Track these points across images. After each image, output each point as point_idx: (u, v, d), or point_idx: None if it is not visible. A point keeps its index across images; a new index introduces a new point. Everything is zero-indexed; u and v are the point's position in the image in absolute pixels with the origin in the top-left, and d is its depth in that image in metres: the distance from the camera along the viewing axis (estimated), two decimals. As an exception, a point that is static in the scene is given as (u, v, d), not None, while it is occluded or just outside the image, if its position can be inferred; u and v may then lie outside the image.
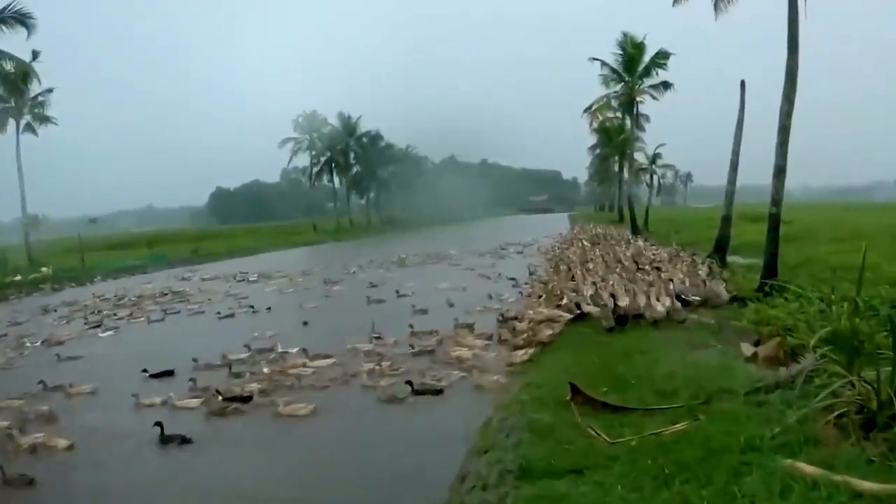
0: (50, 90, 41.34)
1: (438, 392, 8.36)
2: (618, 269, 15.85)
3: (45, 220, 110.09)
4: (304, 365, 9.93)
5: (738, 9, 17.16)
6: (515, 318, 11.98)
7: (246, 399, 8.40)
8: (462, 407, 7.89)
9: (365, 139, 76.53)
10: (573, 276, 15.47)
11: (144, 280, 27.34)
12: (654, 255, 19.73)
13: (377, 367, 9.40)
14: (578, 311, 11.36)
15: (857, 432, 5.26)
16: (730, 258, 18.57)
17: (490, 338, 11.15)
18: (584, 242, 26.65)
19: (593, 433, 5.50)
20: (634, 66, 34.99)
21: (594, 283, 13.48)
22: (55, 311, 18.82)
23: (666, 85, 35.42)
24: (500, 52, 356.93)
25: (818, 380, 6.14)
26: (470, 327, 11.94)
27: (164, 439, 7.19)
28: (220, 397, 8.45)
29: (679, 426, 5.50)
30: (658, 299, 11.17)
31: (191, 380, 9.30)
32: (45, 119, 41.83)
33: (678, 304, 11.19)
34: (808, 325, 8.73)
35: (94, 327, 15.17)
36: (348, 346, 10.82)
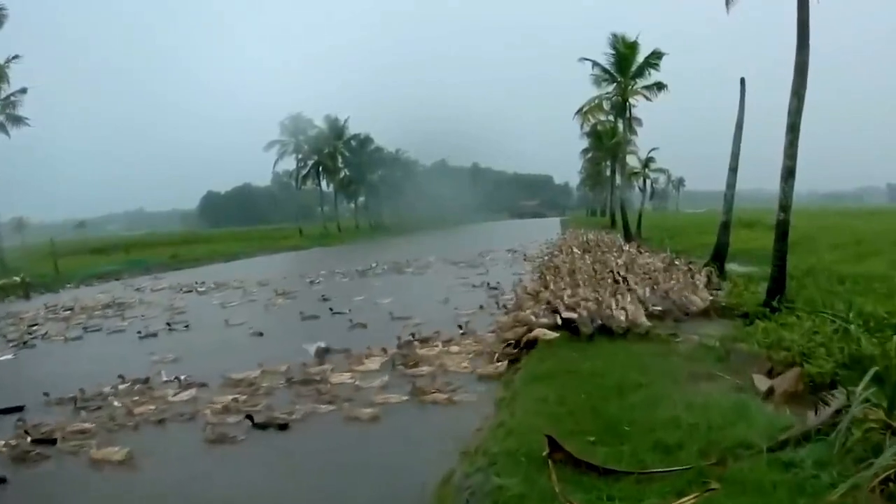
0: (23, 90, 40.19)
1: (283, 427, 7.49)
2: (610, 280, 14.68)
3: (29, 223, 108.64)
4: (166, 398, 9.05)
5: (734, 10, 15.91)
6: (427, 340, 11.40)
7: (51, 442, 7.46)
8: (304, 448, 6.98)
9: (353, 142, 75.22)
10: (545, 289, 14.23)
11: (107, 288, 26.27)
12: (647, 263, 18.49)
13: (233, 401, 8.56)
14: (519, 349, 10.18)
15: (910, 506, 4.07)
16: (727, 266, 17.43)
17: (392, 361, 10.29)
18: (575, 250, 25.42)
19: (574, 511, 4.22)
20: (627, 66, 33.83)
21: (559, 298, 12.41)
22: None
23: (660, 86, 34.23)
24: (494, 54, 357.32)
25: (856, 430, 4.93)
26: (410, 343, 11.24)
27: None
28: (28, 438, 7.54)
29: (687, 500, 4.23)
30: (625, 309, 10.45)
31: (19, 420, 8.33)
32: (17, 120, 40.45)
33: (642, 316, 10.38)
34: (827, 350, 7.60)
35: (14, 346, 14.24)
36: (230, 375, 9.85)
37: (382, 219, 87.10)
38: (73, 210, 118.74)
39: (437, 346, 11.00)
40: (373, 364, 10.16)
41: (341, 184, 75.13)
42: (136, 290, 25.01)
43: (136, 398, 9.05)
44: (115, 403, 8.83)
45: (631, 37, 34.12)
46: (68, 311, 19.00)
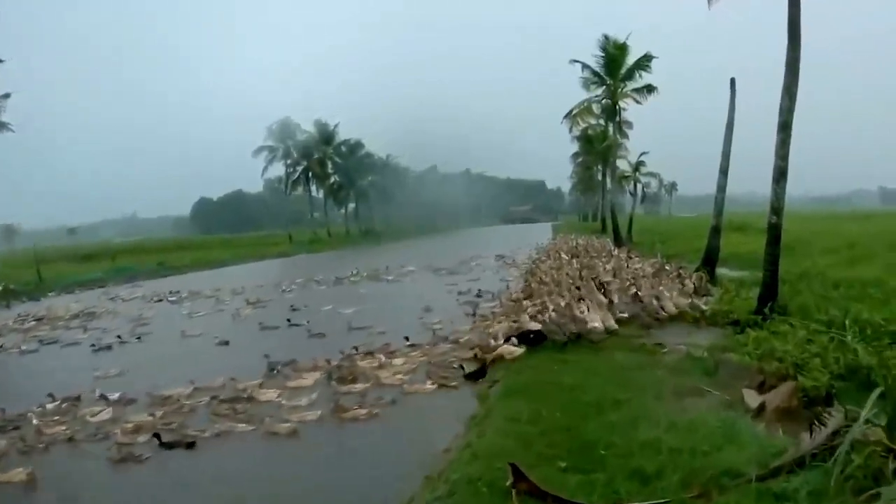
0: (6, 96, 39.66)
1: (190, 445, 7.26)
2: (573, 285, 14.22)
3: (20, 229, 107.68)
4: (85, 417, 8.63)
5: (733, 11, 15.54)
6: (372, 353, 10.87)
7: None
8: (210, 466, 6.68)
9: (344, 147, 74.60)
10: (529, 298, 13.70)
11: (84, 297, 25.71)
12: (636, 268, 17.99)
13: (149, 419, 8.25)
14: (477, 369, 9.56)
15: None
16: (718, 271, 17.00)
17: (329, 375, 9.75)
18: (563, 255, 24.89)
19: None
20: (616, 68, 33.39)
21: (525, 311, 11.88)
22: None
23: (650, 88, 33.78)
24: (493, 54, 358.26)
25: (857, 455, 4.40)
26: (351, 356, 10.74)
27: None
28: None
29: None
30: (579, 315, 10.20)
31: None
32: (1, 125, 39.92)
33: (610, 320, 10.22)
34: (822, 360, 7.11)
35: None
36: (160, 392, 9.39)
37: (373, 224, 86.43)
38: (70, 216, 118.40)
39: (379, 358, 10.42)
40: (308, 380, 9.62)
41: (331, 189, 74.47)
42: (109, 299, 24.40)
43: (56, 417, 8.64)
44: (34, 422, 8.39)
45: (621, 38, 33.80)
46: (36, 321, 18.41)
